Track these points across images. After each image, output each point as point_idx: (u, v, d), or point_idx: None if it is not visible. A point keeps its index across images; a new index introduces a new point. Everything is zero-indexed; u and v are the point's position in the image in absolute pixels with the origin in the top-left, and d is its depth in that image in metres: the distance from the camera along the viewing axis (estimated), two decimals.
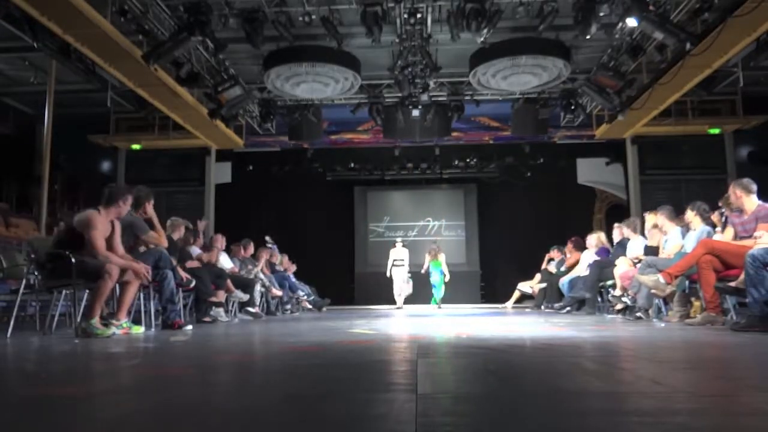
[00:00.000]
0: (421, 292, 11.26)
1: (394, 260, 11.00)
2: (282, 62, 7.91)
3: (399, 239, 11.44)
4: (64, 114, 9.15)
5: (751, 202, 4.24)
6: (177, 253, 5.48)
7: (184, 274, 5.18)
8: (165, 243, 4.77)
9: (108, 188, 4.25)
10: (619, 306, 6.16)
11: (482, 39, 6.97)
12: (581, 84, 8.86)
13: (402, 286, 10.86)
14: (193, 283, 5.28)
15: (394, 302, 11.01)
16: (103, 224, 4.01)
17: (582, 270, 7.81)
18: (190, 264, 5.79)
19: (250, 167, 12.05)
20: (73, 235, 3.94)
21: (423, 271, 11.08)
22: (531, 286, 9.43)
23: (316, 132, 10.26)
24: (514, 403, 1.50)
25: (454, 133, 10.52)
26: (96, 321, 3.73)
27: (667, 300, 5.36)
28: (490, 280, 12.54)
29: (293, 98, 9.48)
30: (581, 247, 8.25)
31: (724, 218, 4.61)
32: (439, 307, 10.43)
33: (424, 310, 9.42)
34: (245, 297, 6.60)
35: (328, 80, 8.33)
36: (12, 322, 3.79)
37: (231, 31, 7.36)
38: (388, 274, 10.97)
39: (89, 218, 3.94)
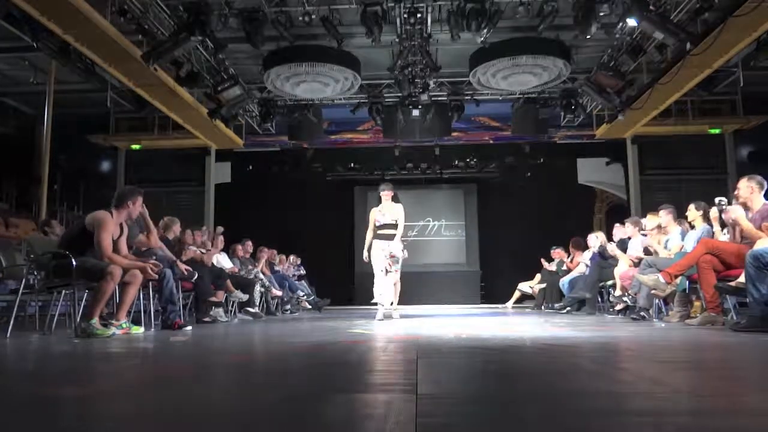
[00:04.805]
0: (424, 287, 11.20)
1: (378, 227, 6.21)
2: (282, 62, 7.92)
3: (386, 188, 6.28)
4: (64, 114, 9.15)
5: (759, 200, 4.23)
6: (174, 254, 5.47)
7: (183, 267, 5.16)
8: (155, 244, 4.76)
9: (117, 190, 4.34)
10: (619, 306, 6.16)
11: (482, 39, 6.98)
12: (581, 84, 8.87)
13: (385, 270, 6.09)
14: (195, 276, 5.26)
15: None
16: (114, 226, 4.04)
17: (581, 270, 7.83)
18: (186, 255, 5.78)
19: (250, 167, 12.05)
20: (85, 234, 3.96)
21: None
22: (531, 286, 9.42)
23: (316, 132, 10.27)
24: (514, 404, 1.49)
25: (454, 133, 10.52)
26: (96, 321, 3.72)
27: (667, 300, 5.36)
28: (490, 280, 12.52)
29: (293, 98, 9.49)
30: (581, 247, 8.25)
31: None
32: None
33: (424, 311, 9.31)
34: (245, 297, 6.60)
35: (328, 80, 8.34)
36: (12, 322, 3.78)
37: (231, 31, 7.36)
38: (365, 256, 6.29)
39: (101, 219, 3.97)
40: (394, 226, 6.14)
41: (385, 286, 6.08)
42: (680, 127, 10.21)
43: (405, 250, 6.43)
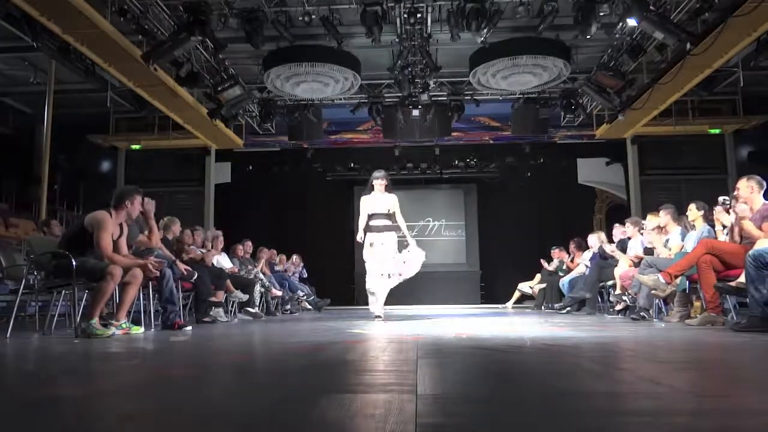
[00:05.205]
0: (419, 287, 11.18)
1: (371, 215, 5.82)
2: (282, 62, 7.93)
3: (380, 176, 5.95)
4: (64, 114, 9.15)
5: (759, 200, 4.24)
6: (173, 254, 5.47)
7: (183, 267, 5.16)
8: (156, 244, 4.76)
9: (116, 190, 4.32)
10: (619, 306, 6.16)
11: (482, 39, 6.98)
12: (581, 84, 8.88)
13: (384, 267, 5.70)
14: (195, 276, 5.26)
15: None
16: (113, 226, 4.05)
17: (581, 270, 7.83)
18: (186, 255, 5.78)
19: (250, 167, 12.05)
20: (84, 234, 3.96)
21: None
22: (531, 286, 9.43)
23: (316, 132, 10.27)
24: (514, 404, 1.49)
25: (454, 133, 10.52)
26: (96, 321, 3.72)
27: (667, 300, 5.36)
28: (490, 280, 12.52)
29: (293, 98, 9.49)
30: (582, 247, 8.26)
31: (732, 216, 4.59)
32: None
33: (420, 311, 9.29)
34: (245, 297, 6.60)
35: (328, 80, 8.34)
36: (12, 322, 3.79)
37: (231, 31, 7.37)
38: (360, 237, 5.90)
39: (101, 219, 3.97)
40: (388, 216, 5.77)
41: (383, 289, 5.71)
42: (680, 127, 10.21)
43: (409, 251, 5.79)
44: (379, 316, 5.64)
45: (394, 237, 5.78)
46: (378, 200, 5.83)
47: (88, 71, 7.63)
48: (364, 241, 5.82)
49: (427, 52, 7.71)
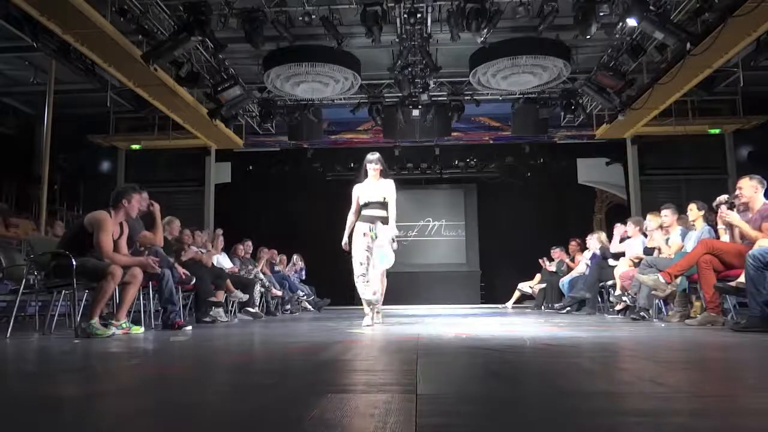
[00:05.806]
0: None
1: (363, 205, 5.00)
2: (282, 62, 7.93)
3: (374, 160, 5.05)
4: (64, 114, 9.15)
5: (760, 200, 4.25)
6: (173, 254, 5.48)
7: (182, 271, 5.17)
8: (160, 242, 4.76)
9: (114, 190, 4.31)
10: (619, 306, 6.17)
11: (482, 39, 6.98)
12: (581, 84, 8.87)
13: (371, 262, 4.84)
14: (194, 281, 5.27)
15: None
16: (113, 226, 4.04)
17: (582, 270, 7.83)
18: (186, 255, 5.78)
19: (250, 167, 12.04)
20: (84, 234, 3.97)
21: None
22: (531, 286, 9.43)
23: (316, 132, 10.27)
24: (514, 404, 1.49)
25: (454, 133, 10.52)
26: (96, 321, 3.73)
27: (667, 300, 5.36)
28: (490, 280, 12.52)
29: (293, 98, 9.49)
30: (583, 247, 8.26)
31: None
32: None
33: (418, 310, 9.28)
34: (245, 297, 6.60)
35: (328, 80, 8.34)
36: (11, 322, 3.79)
37: (231, 31, 7.35)
38: (345, 243, 5.02)
39: (100, 219, 3.97)
40: (383, 205, 4.93)
41: (372, 282, 4.80)
42: (680, 127, 10.20)
43: (395, 242, 4.86)
44: (369, 325, 4.71)
45: (390, 232, 4.86)
46: (372, 187, 4.98)
47: (88, 71, 7.62)
48: (351, 243, 4.96)
49: (427, 52, 7.71)
